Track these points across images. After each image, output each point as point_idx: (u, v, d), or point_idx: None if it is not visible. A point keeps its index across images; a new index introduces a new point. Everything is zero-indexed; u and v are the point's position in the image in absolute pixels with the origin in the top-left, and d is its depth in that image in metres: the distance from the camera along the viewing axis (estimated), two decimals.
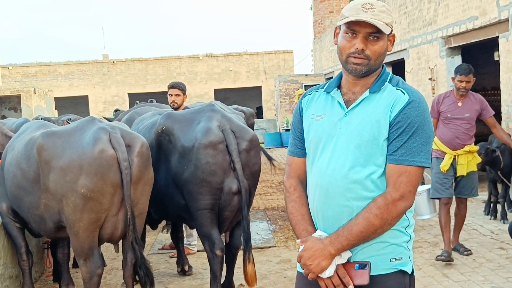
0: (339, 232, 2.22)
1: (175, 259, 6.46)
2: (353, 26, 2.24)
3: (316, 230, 2.35)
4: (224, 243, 5.05)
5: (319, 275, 2.23)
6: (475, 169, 6.26)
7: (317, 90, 2.48)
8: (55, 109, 26.43)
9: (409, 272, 2.32)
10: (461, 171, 6.14)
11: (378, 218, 2.17)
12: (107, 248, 6.83)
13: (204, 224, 4.80)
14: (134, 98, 27.57)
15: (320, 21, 25.64)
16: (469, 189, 6.28)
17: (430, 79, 11.71)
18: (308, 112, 2.44)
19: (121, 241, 4.70)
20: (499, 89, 9.21)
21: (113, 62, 31.75)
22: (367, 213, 2.19)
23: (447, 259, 5.97)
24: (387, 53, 2.37)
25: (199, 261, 6.61)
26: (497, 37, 8.94)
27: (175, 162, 4.92)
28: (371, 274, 2.23)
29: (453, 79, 6.17)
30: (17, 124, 8.12)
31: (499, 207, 8.01)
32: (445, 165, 6.08)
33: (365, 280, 2.21)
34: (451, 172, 6.15)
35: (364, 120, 2.25)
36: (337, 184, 2.26)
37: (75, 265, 6.42)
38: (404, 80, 11.43)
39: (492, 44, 9.62)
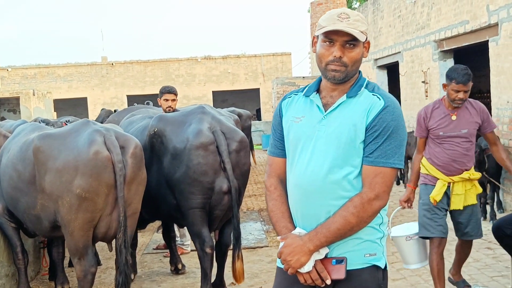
0: (317, 229, 2.34)
1: (168, 259, 6.58)
2: (331, 35, 2.38)
3: (295, 227, 2.46)
4: (214, 242, 5.18)
5: (298, 270, 2.34)
6: (475, 201, 4.87)
7: (296, 93, 2.60)
8: (54, 111, 26.55)
9: (382, 267, 2.44)
10: (457, 203, 4.78)
11: (354, 216, 2.30)
12: (102, 248, 6.96)
13: (195, 222, 4.94)
14: (133, 100, 27.64)
15: (317, 23, 25.73)
16: (475, 228, 4.89)
17: (423, 82, 11.85)
18: (287, 114, 2.56)
19: (114, 240, 4.82)
20: None
21: (112, 64, 31.86)
22: (344, 212, 2.31)
23: None
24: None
25: (192, 260, 6.73)
26: (487, 41, 9.07)
27: (167, 163, 5.05)
28: (347, 268, 2.35)
29: (444, 86, 4.73)
30: (15, 126, 8.20)
31: (488, 208, 8.15)
32: (437, 194, 4.74)
33: (341, 275, 2.34)
34: (444, 204, 4.80)
35: (342, 123, 2.37)
36: (316, 184, 2.39)
37: (71, 264, 6.55)
38: (398, 82, 11.38)
39: (487, 47, 9.76)
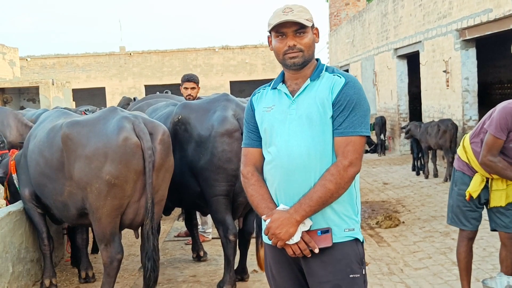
0: (301, 201, 2.52)
1: (190, 246, 6.63)
2: (281, 29, 2.61)
3: (277, 206, 2.61)
4: (238, 229, 5.20)
5: (287, 242, 2.51)
6: None
7: (264, 88, 2.84)
8: (73, 100, 26.75)
9: (361, 240, 2.65)
10: (497, 200, 4.25)
11: (333, 184, 2.49)
12: (124, 235, 7.00)
13: (219, 210, 4.97)
14: (151, 90, 27.78)
15: (336, 13, 25.65)
16: None
17: (444, 71, 11.75)
18: (259, 107, 2.77)
19: (140, 227, 4.85)
20: None
21: (130, 54, 31.98)
22: (323, 181, 2.52)
23: None
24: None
25: (213, 248, 6.77)
26: (511, 29, 8.97)
27: (192, 150, 5.07)
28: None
29: None
30: (37, 115, 8.36)
31: None
32: (475, 190, 4.25)
33: (329, 243, 2.53)
34: (482, 200, 4.33)
35: (310, 104, 2.60)
36: (296, 163, 2.57)
37: (93, 251, 6.62)
38: (419, 72, 11.37)
39: (508, 37, 9.64)
